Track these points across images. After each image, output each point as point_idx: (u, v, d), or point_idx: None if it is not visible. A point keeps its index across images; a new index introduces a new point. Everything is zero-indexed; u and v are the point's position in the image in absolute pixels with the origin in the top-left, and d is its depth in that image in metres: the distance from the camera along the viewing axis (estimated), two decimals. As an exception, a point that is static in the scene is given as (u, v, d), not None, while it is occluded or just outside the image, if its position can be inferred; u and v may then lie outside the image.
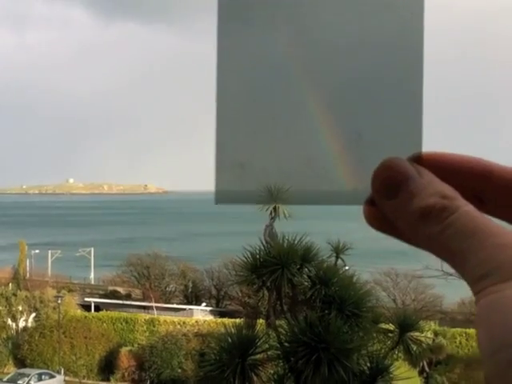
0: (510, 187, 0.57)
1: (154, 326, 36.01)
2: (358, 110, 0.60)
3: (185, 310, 38.71)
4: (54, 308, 36.10)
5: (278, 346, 6.41)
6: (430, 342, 24.14)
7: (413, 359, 7.80)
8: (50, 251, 53.73)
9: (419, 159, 0.57)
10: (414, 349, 7.09)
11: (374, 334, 7.03)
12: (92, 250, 56.35)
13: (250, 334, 6.42)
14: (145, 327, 36.27)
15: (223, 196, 0.59)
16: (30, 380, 30.60)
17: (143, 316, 37.16)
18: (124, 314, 37.40)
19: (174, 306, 39.77)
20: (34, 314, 37.42)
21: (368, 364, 6.60)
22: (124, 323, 36.54)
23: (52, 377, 31.80)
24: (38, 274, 48.45)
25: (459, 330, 32.06)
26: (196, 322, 35.50)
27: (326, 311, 6.49)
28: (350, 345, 6.19)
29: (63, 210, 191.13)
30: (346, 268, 7.57)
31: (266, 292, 6.97)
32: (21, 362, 34.71)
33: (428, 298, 37.63)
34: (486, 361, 0.47)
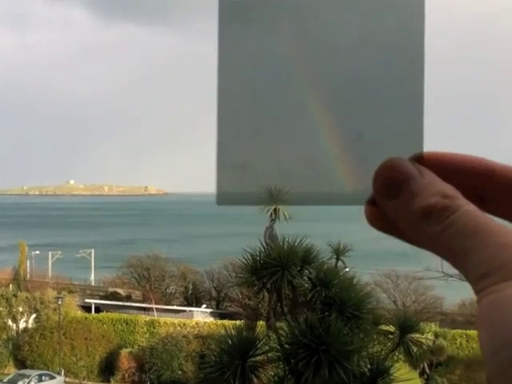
0: (511, 186, 0.57)
1: (154, 328, 36.00)
2: (358, 110, 0.60)
3: (185, 311, 38.69)
4: (55, 309, 36.08)
5: (279, 347, 6.40)
6: (431, 344, 24.10)
7: (413, 361, 7.79)
8: (50, 252, 53.71)
9: (420, 159, 0.57)
10: (415, 350, 7.09)
11: (375, 336, 7.03)
12: (92, 251, 56.32)
13: (251, 336, 6.42)
14: (145, 329, 36.26)
15: (225, 197, 0.59)
16: (30, 381, 30.59)
17: (143, 317, 37.14)
18: (124, 316, 37.39)
19: (174, 307, 39.75)
20: (34, 315, 37.41)
21: (368, 366, 6.59)
22: (124, 325, 36.53)
23: (52, 378, 31.80)
24: (39, 275, 48.47)
25: (460, 331, 32.05)
26: (196, 323, 35.49)
27: (327, 313, 6.49)
28: (350, 346, 6.19)
29: (64, 211, 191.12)
30: (347, 270, 7.57)
31: (266, 294, 6.97)
32: (21, 363, 34.70)
33: (428, 300, 37.60)
34: (488, 360, 0.47)
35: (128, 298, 42.69)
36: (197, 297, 42.81)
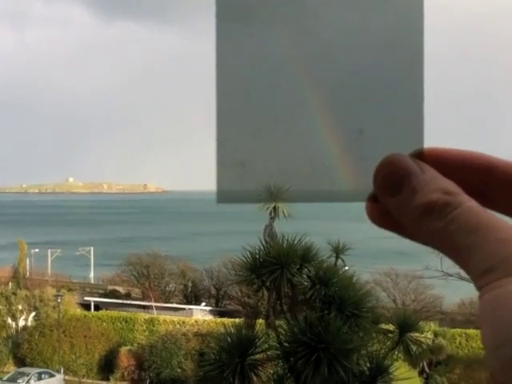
0: None
1: (153, 326, 36.01)
2: (359, 109, 0.60)
3: (184, 309, 38.70)
4: (54, 307, 36.08)
5: (278, 345, 6.40)
6: (430, 343, 24.11)
7: (413, 360, 7.78)
8: (49, 250, 53.73)
9: (421, 155, 0.57)
10: (414, 349, 7.08)
11: (374, 335, 7.02)
12: (92, 249, 56.35)
13: (250, 334, 6.41)
14: (144, 327, 36.26)
15: (225, 195, 0.59)
16: (29, 379, 30.60)
17: (143, 315, 37.15)
18: (124, 314, 37.40)
19: (174, 305, 39.77)
20: (33, 313, 37.41)
21: (368, 364, 6.59)
22: (124, 322, 36.54)
23: (52, 376, 31.80)
24: (38, 273, 48.46)
25: (459, 330, 32.07)
26: (195, 321, 35.49)
27: (326, 311, 6.48)
28: (349, 345, 6.18)
29: (63, 208, 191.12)
30: (346, 268, 7.56)
31: (265, 292, 6.96)
32: (20, 361, 34.70)
33: (428, 299, 37.62)
34: (490, 355, 0.47)
35: (127, 295, 42.71)
36: (196, 295, 42.82)
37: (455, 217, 0.52)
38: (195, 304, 40.43)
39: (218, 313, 38.65)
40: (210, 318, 36.82)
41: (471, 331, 31.22)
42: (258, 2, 0.60)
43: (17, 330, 36.72)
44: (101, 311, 38.54)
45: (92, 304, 41.00)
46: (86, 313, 38.06)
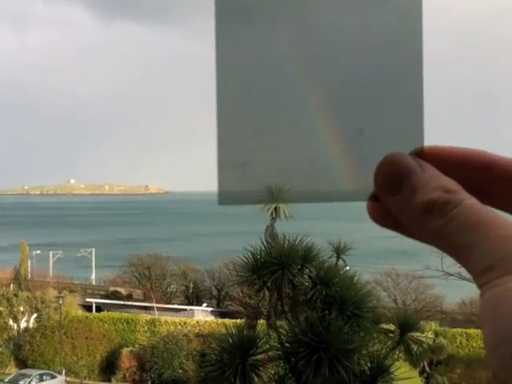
0: None
1: (154, 327, 36.02)
2: (359, 109, 0.60)
3: (186, 310, 38.72)
4: (56, 308, 36.10)
5: (279, 346, 6.41)
6: (431, 343, 24.12)
7: (413, 359, 7.80)
8: (51, 252, 53.75)
9: (421, 154, 0.57)
10: (415, 349, 7.09)
11: (375, 335, 7.03)
12: (93, 250, 56.36)
13: (251, 335, 6.42)
14: (146, 328, 36.27)
15: (226, 197, 0.59)
16: (31, 381, 30.61)
17: (144, 316, 37.17)
18: (125, 315, 37.42)
19: (175, 306, 39.79)
20: (35, 315, 37.44)
21: (369, 364, 6.60)
22: (125, 324, 36.55)
23: (53, 377, 31.81)
24: (40, 274, 48.52)
25: (460, 330, 32.08)
26: (197, 322, 35.50)
27: (327, 311, 6.50)
28: (350, 345, 6.19)
29: (64, 210, 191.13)
30: (347, 268, 7.57)
31: (266, 292, 6.97)
32: (22, 363, 34.72)
33: (429, 298, 37.64)
34: (491, 353, 0.47)
35: (129, 297, 42.74)
36: (197, 295, 42.84)
37: (455, 215, 0.52)
38: (196, 305, 40.45)
39: (219, 313, 38.66)
40: (211, 318, 36.83)
41: (472, 331, 31.24)
42: (258, 2, 0.60)
43: (18, 332, 36.75)
44: (102, 312, 38.57)
45: (93, 305, 41.03)
46: (87, 314, 38.08)
